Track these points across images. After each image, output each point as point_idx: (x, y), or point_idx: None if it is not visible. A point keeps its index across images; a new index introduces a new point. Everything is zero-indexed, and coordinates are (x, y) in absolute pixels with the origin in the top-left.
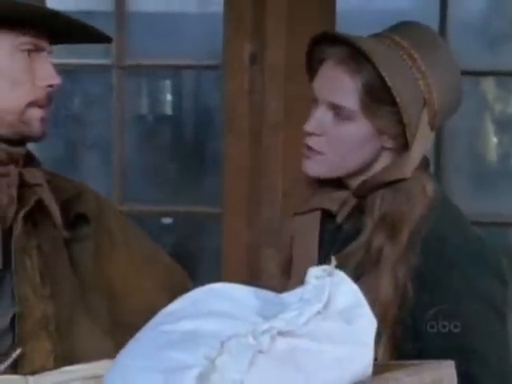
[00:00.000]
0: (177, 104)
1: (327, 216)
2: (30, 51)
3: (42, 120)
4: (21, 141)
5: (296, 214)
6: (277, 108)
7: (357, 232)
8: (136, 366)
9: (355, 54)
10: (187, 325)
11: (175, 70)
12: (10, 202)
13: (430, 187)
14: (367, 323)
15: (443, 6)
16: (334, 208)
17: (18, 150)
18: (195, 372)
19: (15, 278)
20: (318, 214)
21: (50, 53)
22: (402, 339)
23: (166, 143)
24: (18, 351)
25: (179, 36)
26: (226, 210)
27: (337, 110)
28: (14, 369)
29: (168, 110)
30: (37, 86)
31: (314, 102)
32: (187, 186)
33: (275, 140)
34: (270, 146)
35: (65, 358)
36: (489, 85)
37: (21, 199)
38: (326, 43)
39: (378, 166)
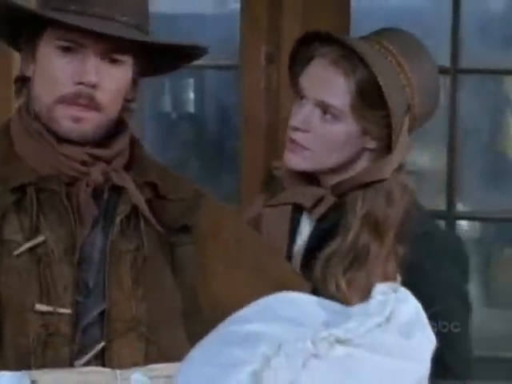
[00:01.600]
0: (196, 103)
1: (298, 211)
2: (68, 49)
3: (74, 120)
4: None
5: (266, 206)
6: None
7: (334, 229)
8: (200, 359)
9: (348, 55)
10: (253, 327)
11: (194, 70)
12: (87, 201)
13: (410, 184)
14: (425, 340)
15: (456, 3)
16: (307, 204)
17: (100, 152)
18: (250, 368)
19: (107, 281)
20: (288, 208)
21: (107, 54)
22: None
23: (184, 141)
24: (101, 345)
25: (197, 36)
26: (244, 208)
27: (326, 109)
28: (101, 362)
29: (188, 109)
30: (67, 83)
31: (297, 97)
32: (206, 183)
33: None
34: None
35: (155, 358)
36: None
37: (119, 202)
38: (316, 42)
39: (357, 166)
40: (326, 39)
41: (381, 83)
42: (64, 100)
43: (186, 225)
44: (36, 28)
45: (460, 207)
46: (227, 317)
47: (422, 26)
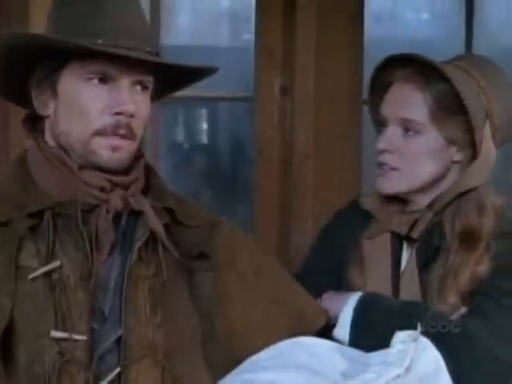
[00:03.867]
0: (210, 134)
1: (397, 238)
2: (100, 80)
3: (113, 149)
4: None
5: (366, 238)
6: (306, 139)
7: (434, 248)
8: None
9: (421, 70)
10: (267, 376)
11: (208, 101)
12: (107, 227)
13: (499, 203)
14: None
15: (469, 35)
16: (402, 231)
17: (119, 179)
18: None
19: (124, 307)
20: (387, 236)
21: (138, 83)
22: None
23: (199, 172)
24: (116, 371)
25: None
26: (257, 238)
27: (407, 125)
28: None
29: (201, 140)
30: (104, 114)
31: (379, 125)
32: (219, 213)
33: (305, 170)
34: (299, 175)
35: None
36: None
37: (137, 227)
38: (393, 67)
39: (448, 181)
40: (399, 60)
41: (458, 88)
42: (103, 132)
43: (204, 252)
44: (55, 64)
45: None
46: (243, 345)
47: (434, 57)
